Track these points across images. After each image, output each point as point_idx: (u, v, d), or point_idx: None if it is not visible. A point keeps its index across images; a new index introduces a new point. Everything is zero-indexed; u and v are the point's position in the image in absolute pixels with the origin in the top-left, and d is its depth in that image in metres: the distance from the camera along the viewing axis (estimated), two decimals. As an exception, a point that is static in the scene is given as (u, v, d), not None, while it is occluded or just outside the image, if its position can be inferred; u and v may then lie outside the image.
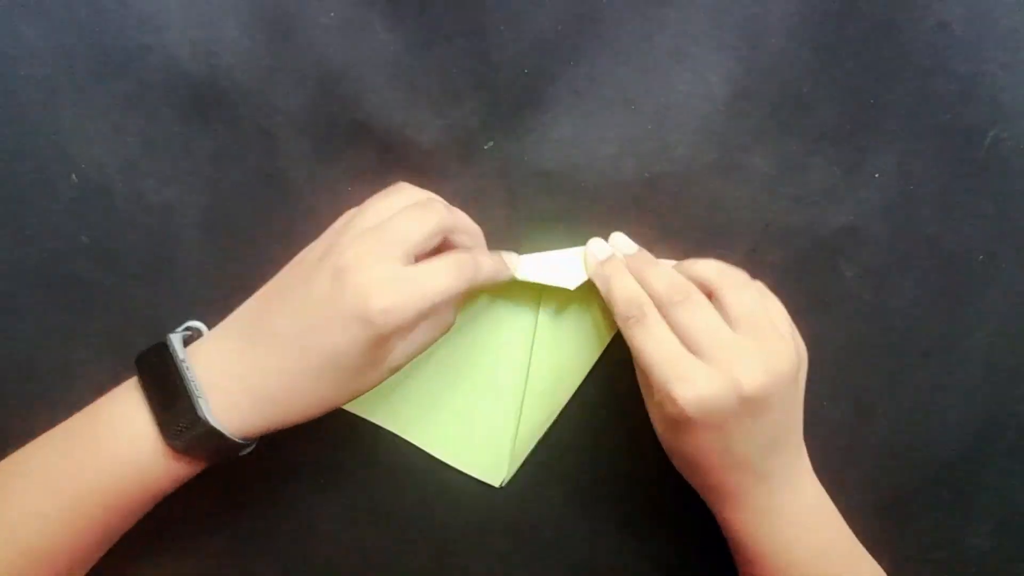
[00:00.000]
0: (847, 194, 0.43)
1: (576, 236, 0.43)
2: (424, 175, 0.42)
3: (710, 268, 0.38)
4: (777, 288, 0.43)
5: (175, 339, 0.36)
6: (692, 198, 0.43)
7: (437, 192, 0.42)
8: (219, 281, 0.43)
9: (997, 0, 0.41)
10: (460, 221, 0.38)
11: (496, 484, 0.44)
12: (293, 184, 0.42)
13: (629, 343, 0.37)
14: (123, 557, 0.39)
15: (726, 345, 0.35)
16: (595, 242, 0.41)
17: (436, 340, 0.37)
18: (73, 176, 0.42)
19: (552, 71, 0.42)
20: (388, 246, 0.34)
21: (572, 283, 0.40)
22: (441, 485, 0.45)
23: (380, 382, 0.36)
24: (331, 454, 0.44)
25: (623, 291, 0.38)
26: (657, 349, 0.35)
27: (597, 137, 0.42)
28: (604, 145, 0.42)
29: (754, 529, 0.38)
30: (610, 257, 0.40)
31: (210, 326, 0.43)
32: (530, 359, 0.43)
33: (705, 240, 0.43)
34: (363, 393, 0.36)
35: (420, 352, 0.36)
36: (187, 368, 0.35)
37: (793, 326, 0.38)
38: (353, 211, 0.38)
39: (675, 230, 0.43)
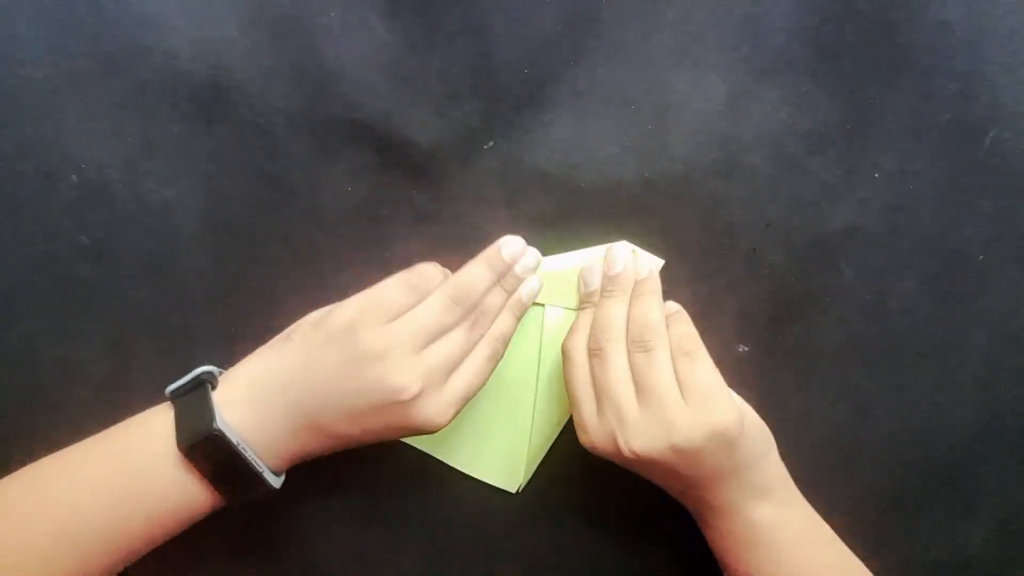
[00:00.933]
0: (847, 194, 0.43)
1: (576, 236, 0.43)
2: (424, 175, 0.42)
3: (645, 307, 0.39)
4: (777, 288, 0.43)
5: (223, 426, 0.36)
6: (692, 198, 0.43)
7: (437, 192, 0.43)
8: (219, 281, 0.43)
9: (997, 0, 0.41)
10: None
11: (513, 490, 0.45)
12: (293, 184, 0.42)
13: (565, 367, 0.40)
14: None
15: (667, 403, 0.36)
16: (588, 270, 0.42)
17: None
18: (73, 176, 0.42)
19: (552, 71, 0.42)
20: (435, 372, 0.37)
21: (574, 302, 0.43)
22: (441, 485, 0.45)
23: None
24: (334, 458, 0.44)
25: (592, 321, 0.40)
26: (584, 391, 0.38)
27: (597, 137, 0.42)
28: (604, 145, 0.42)
29: (732, 546, 0.39)
30: (594, 291, 0.41)
31: (209, 327, 0.43)
32: (539, 363, 0.43)
33: (705, 240, 0.43)
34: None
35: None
36: (244, 450, 0.36)
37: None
38: (377, 296, 0.38)
39: (675, 230, 0.43)
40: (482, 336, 0.39)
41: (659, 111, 0.42)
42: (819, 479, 0.45)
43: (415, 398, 0.36)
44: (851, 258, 0.43)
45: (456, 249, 0.42)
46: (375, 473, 0.45)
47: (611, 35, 0.41)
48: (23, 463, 0.39)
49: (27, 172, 0.41)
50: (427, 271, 0.38)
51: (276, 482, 0.37)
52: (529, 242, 0.42)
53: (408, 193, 0.43)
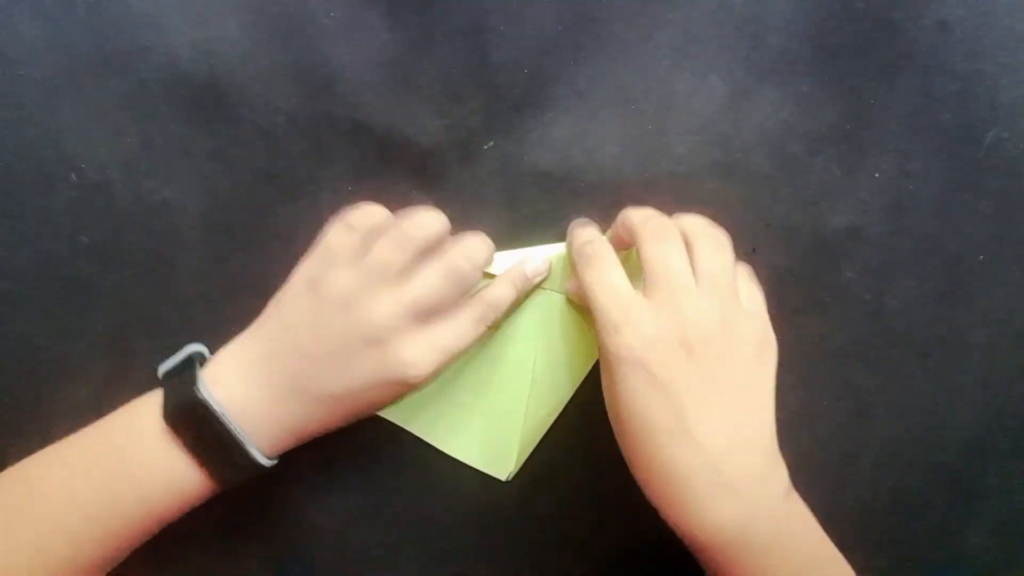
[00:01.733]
0: (847, 194, 0.43)
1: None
2: (424, 175, 0.42)
3: (696, 223, 0.37)
4: (777, 288, 0.43)
5: (206, 392, 0.35)
6: (692, 198, 0.43)
7: (437, 192, 0.43)
8: (219, 281, 0.43)
9: (997, 0, 0.41)
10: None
11: (503, 478, 0.44)
12: (293, 184, 0.42)
13: (582, 279, 0.37)
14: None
15: (685, 290, 0.35)
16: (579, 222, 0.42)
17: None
18: (73, 176, 0.42)
19: (552, 71, 0.42)
20: (414, 310, 0.36)
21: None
22: (441, 485, 0.45)
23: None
24: (331, 454, 0.44)
25: (582, 233, 0.40)
26: (607, 291, 0.35)
27: (597, 137, 0.42)
28: (604, 145, 0.42)
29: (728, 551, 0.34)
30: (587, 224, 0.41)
31: (209, 327, 0.43)
32: (535, 352, 0.43)
33: (705, 240, 0.43)
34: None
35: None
36: (228, 421, 0.35)
37: (766, 316, 0.38)
38: (344, 233, 0.38)
39: (675, 230, 0.43)
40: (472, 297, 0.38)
41: (659, 111, 0.42)
42: (819, 479, 0.45)
43: (392, 335, 0.35)
44: (851, 258, 0.43)
45: (456, 249, 0.42)
46: (373, 473, 0.45)
47: (611, 35, 0.41)
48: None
49: (27, 172, 0.41)
50: (366, 207, 0.39)
51: (263, 459, 0.36)
52: (529, 242, 0.43)
53: (408, 193, 0.43)
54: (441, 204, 0.43)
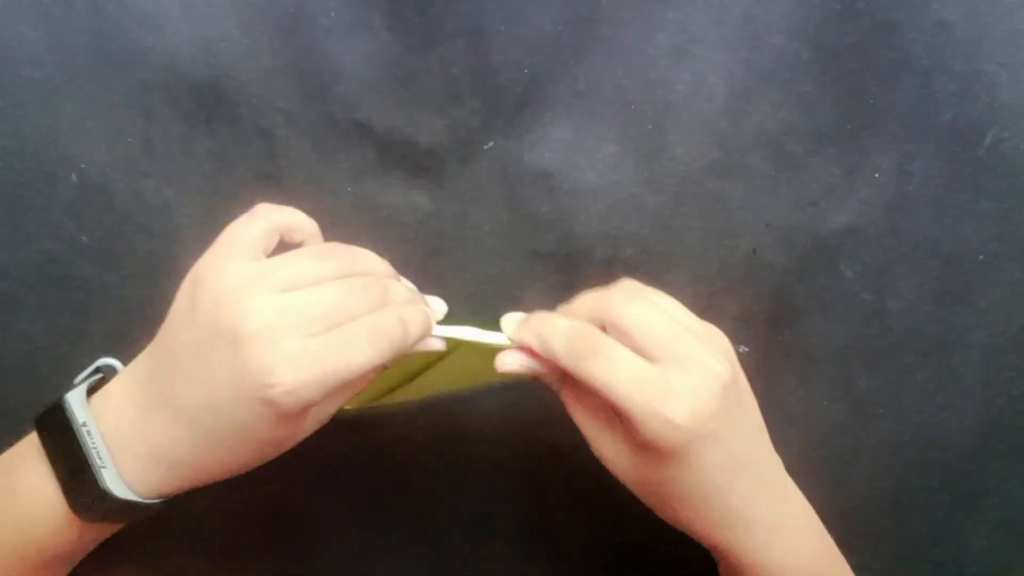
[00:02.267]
0: (847, 194, 0.43)
1: (576, 236, 0.43)
2: (424, 175, 0.42)
3: (607, 296, 0.32)
4: (777, 288, 0.43)
5: (74, 399, 0.32)
6: (692, 198, 0.43)
7: (437, 192, 0.43)
8: (219, 281, 0.43)
9: (997, 0, 0.41)
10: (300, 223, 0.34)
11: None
12: (293, 184, 0.42)
13: (588, 381, 0.30)
14: (120, 557, 0.39)
15: (690, 338, 0.31)
16: (509, 316, 0.35)
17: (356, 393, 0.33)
18: (73, 176, 0.42)
19: (552, 71, 0.42)
20: (295, 314, 0.29)
21: (502, 339, 0.35)
22: (441, 485, 0.45)
23: (302, 438, 0.33)
24: (331, 454, 0.44)
25: (553, 328, 0.32)
26: (628, 379, 0.30)
27: (597, 137, 0.42)
28: (604, 145, 0.42)
29: (757, 554, 0.33)
30: (529, 316, 0.35)
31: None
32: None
33: (705, 240, 0.43)
34: (288, 448, 0.32)
35: (338, 406, 0.33)
36: (88, 434, 0.31)
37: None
38: (224, 248, 0.32)
39: (675, 230, 0.43)
40: (374, 309, 0.31)
41: (659, 111, 0.42)
42: (819, 479, 0.45)
43: (257, 335, 0.28)
44: (851, 258, 0.43)
45: (456, 249, 0.42)
46: (373, 473, 0.45)
47: (611, 35, 0.41)
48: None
49: (27, 172, 0.41)
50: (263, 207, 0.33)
51: (118, 486, 0.30)
52: (530, 242, 0.43)
53: (408, 193, 0.43)
54: (441, 204, 0.43)
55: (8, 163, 0.41)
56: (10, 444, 0.42)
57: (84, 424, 0.31)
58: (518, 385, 0.44)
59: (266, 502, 0.45)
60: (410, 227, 0.43)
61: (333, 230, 0.43)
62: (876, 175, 0.43)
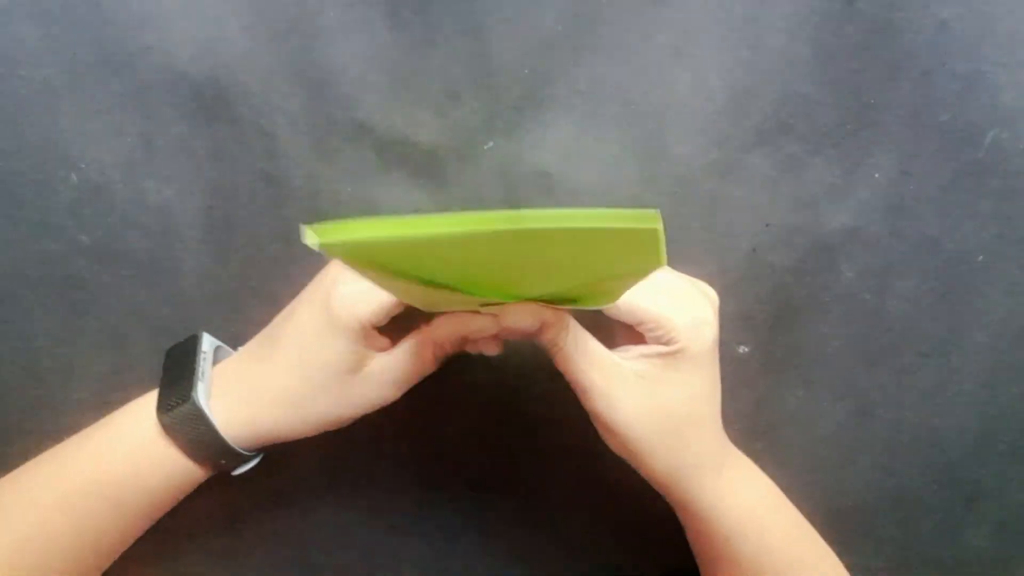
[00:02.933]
0: (847, 194, 0.43)
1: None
2: (424, 175, 0.42)
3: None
4: (777, 288, 0.43)
5: (207, 336, 0.40)
6: (692, 198, 0.43)
7: (437, 192, 0.43)
8: (219, 281, 0.43)
9: (997, 0, 0.41)
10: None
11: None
12: (293, 184, 0.42)
13: (627, 305, 0.35)
14: (125, 555, 0.39)
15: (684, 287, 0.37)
16: None
17: (420, 375, 0.38)
18: (73, 176, 0.42)
19: (552, 71, 0.42)
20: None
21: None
22: (442, 485, 0.45)
23: (368, 403, 0.37)
24: (331, 454, 0.44)
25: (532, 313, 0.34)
26: (646, 297, 0.35)
27: (597, 137, 0.42)
28: (604, 145, 0.42)
29: (720, 506, 0.37)
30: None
31: (209, 327, 0.43)
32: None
33: (705, 240, 0.43)
34: (350, 415, 0.37)
35: (404, 383, 0.37)
36: (204, 358, 0.38)
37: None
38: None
39: (675, 230, 0.43)
40: None
41: (659, 111, 0.42)
42: (819, 479, 0.45)
43: (336, 282, 0.36)
44: (851, 258, 0.43)
45: (456, 249, 0.42)
46: (373, 473, 0.45)
47: (611, 35, 0.41)
48: (23, 463, 0.39)
49: (27, 172, 0.41)
50: None
51: (203, 401, 0.36)
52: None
53: (408, 193, 0.43)
54: (441, 204, 0.43)
55: (8, 163, 0.41)
56: (10, 444, 0.42)
57: (205, 352, 0.38)
58: (518, 381, 0.45)
59: (269, 500, 0.45)
60: (410, 227, 0.43)
61: (333, 230, 0.43)
62: (876, 175, 0.43)
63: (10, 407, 0.43)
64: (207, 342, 0.40)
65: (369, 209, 0.43)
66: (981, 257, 0.43)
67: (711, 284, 0.43)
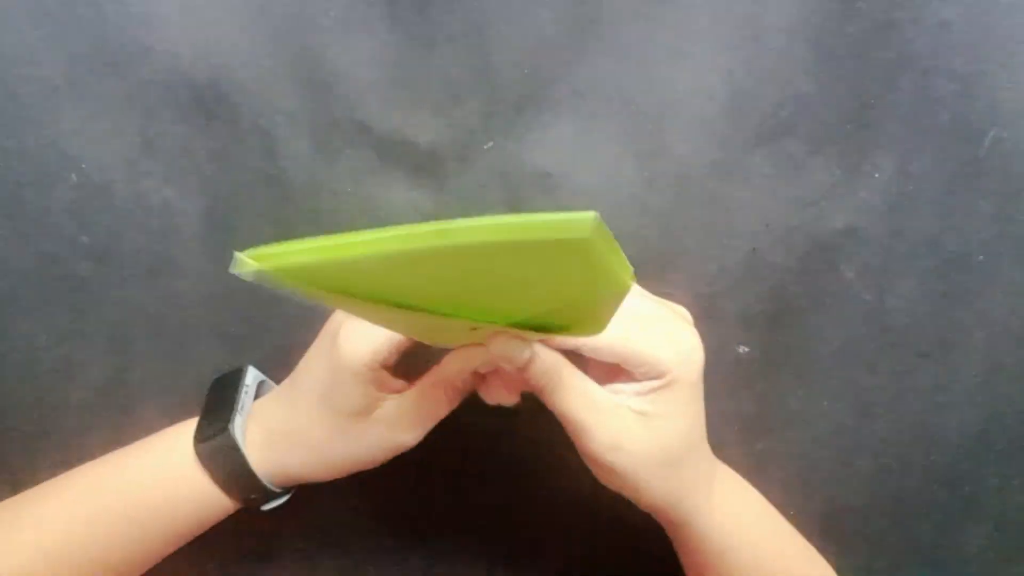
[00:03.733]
0: (847, 194, 0.43)
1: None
2: (424, 175, 0.42)
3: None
4: (777, 288, 0.43)
5: (252, 370, 0.41)
6: (692, 198, 0.43)
7: (437, 192, 0.43)
8: (219, 281, 0.43)
9: (997, 0, 0.41)
10: None
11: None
12: (293, 184, 0.42)
13: (604, 344, 0.33)
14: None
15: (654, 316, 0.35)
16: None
17: (435, 417, 0.37)
18: (73, 176, 0.42)
19: (552, 71, 0.42)
20: None
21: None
22: (442, 485, 0.45)
23: (385, 446, 0.36)
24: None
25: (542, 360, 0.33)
26: (626, 333, 0.33)
27: (597, 137, 0.42)
28: (604, 145, 0.42)
29: (717, 523, 0.36)
30: None
31: (209, 327, 0.43)
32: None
33: (705, 240, 0.43)
34: (370, 458, 0.37)
35: (419, 425, 0.36)
36: (246, 392, 0.39)
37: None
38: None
39: (675, 230, 0.43)
40: None
41: (659, 111, 0.42)
42: (819, 479, 0.45)
43: (342, 322, 0.35)
44: (851, 258, 0.43)
45: (456, 249, 0.42)
46: (373, 473, 0.45)
47: (611, 35, 0.41)
48: (23, 463, 0.39)
49: (27, 172, 0.41)
50: None
51: (240, 435, 0.37)
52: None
53: (408, 193, 0.43)
54: (441, 204, 0.43)
55: (8, 163, 0.41)
56: (10, 444, 0.42)
57: (248, 385, 0.39)
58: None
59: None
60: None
61: (333, 231, 0.43)
62: (876, 175, 0.43)
63: (10, 407, 0.43)
64: (251, 376, 0.40)
65: (369, 209, 0.43)
66: (981, 257, 0.43)
67: (711, 284, 0.43)
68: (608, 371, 0.35)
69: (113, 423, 0.43)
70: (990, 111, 0.42)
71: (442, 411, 0.37)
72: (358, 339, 0.34)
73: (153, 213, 0.42)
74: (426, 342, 0.35)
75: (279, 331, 0.43)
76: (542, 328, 0.31)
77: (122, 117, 0.41)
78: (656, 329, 0.34)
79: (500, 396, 0.36)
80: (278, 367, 0.43)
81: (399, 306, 0.26)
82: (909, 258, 0.43)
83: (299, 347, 0.39)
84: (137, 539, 0.37)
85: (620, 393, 0.34)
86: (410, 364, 0.37)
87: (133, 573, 0.38)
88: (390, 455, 0.37)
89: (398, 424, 0.36)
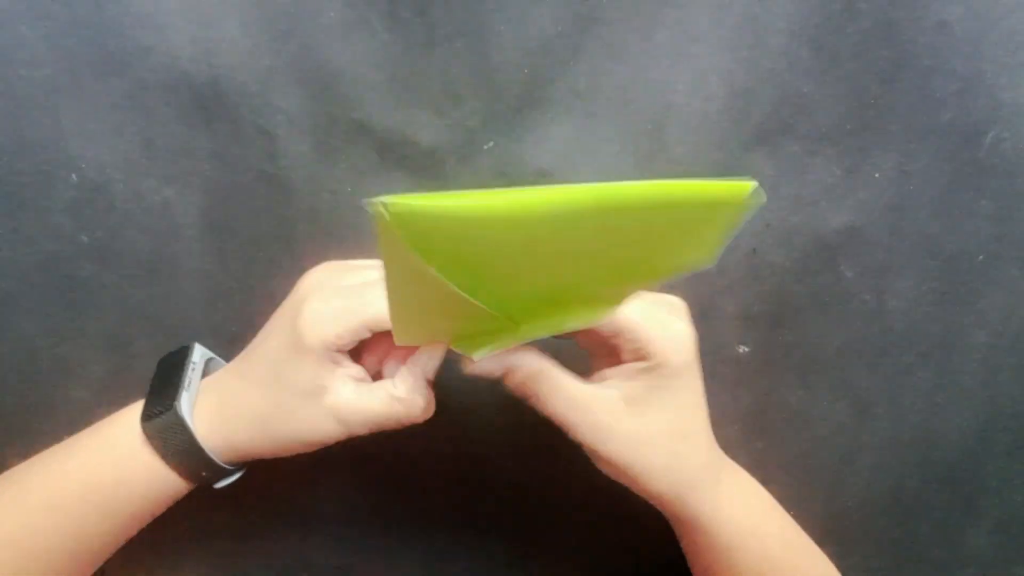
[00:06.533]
0: (847, 194, 0.43)
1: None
2: (424, 175, 0.42)
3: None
4: (777, 288, 0.43)
5: (199, 347, 0.40)
6: (692, 198, 0.43)
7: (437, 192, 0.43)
8: (219, 281, 0.43)
9: (997, 0, 0.41)
10: None
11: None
12: (293, 184, 0.42)
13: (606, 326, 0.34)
14: (117, 557, 0.39)
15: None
16: None
17: (384, 416, 0.35)
18: (73, 176, 0.42)
19: (552, 71, 0.42)
20: (330, 280, 0.36)
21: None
22: (442, 484, 0.45)
23: (332, 431, 0.35)
24: (331, 454, 0.44)
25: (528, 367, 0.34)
26: (639, 312, 0.34)
27: (597, 137, 0.42)
28: (604, 145, 0.42)
29: (722, 514, 0.37)
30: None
31: (209, 327, 0.43)
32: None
33: (705, 240, 0.43)
34: (317, 440, 0.36)
35: (369, 419, 0.35)
36: (193, 369, 0.38)
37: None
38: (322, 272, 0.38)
39: (675, 230, 0.43)
40: None
41: (659, 111, 0.42)
42: (819, 479, 0.45)
43: (305, 300, 0.34)
44: (851, 258, 0.43)
45: (456, 249, 0.42)
46: (373, 473, 0.45)
47: (611, 35, 0.41)
48: (23, 463, 0.39)
49: (27, 172, 0.41)
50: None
51: (187, 411, 0.36)
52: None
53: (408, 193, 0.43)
54: (441, 204, 0.43)
55: (8, 163, 0.41)
56: (10, 444, 0.42)
57: (195, 363, 0.39)
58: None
59: (266, 502, 0.45)
60: (410, 227, 0.43)
61: (333, 231, 0.43)
62: (876, 175, 0.43)
63: (10, 407, 0.43)
64: (198, 353, 0.39)
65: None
66: (981, 257, 0.43)
67: (711, 284, 0.43)
68: (607, 356, 0.36)
69: (113, 423, 0.43)
70: (990, 111, 0.42)
71: (394, 411, 0.35)
72: (322, 319, 0.34)
73: (153, 213, 0.42)
74: (407, 339, 0.34)
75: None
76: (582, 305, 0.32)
77: (122, 117, 0.41)
78: (649, 311, 0.34)
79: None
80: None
81: (464, 284, 0.26)
82: (909, 258, 0.43)
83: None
84: (94, 522, 0.37)
85: (608, 379, 0.35)
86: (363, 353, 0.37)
87: (95, 560, 0.38)
88: (335, 439, 0.36)
89: (346, 412, 0.35)
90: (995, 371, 0.44)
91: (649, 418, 0.34)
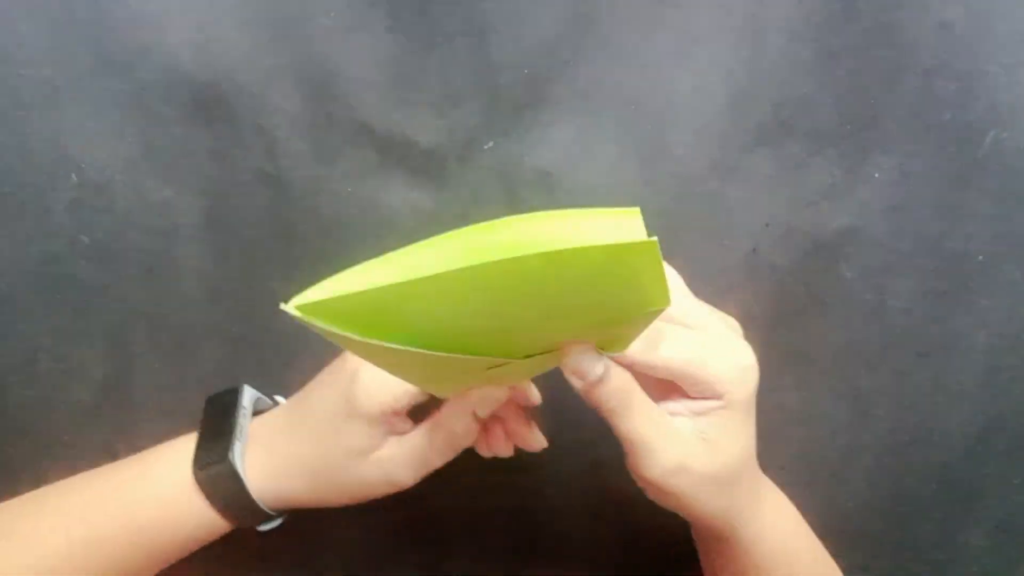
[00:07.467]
0: (847, 194, 0.43)
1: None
2: (424, 175, 0.42)
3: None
4: (777, 288, 0.43)
5: (248, 390, 0.40)
6: (692, 198, 0.43)
7: (437, 192, 0.43)
8: (219, 281, 0.43)
9: (997, 0, 0.41)
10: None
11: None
12: (293, 184, 0.42)
13: (663, 363, 0.32)
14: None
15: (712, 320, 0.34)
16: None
17: (433, 462, 0.36)
18: (73, 176, 0.42)
19: (552, 71, 0.42)
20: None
21: None
22: (441, 484, 0.45)
23: (382, 484, 0.37)
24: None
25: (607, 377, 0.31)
26: (683, 351, 0.32)
27: (597, 137, 0.42)
28: (604, 145, 0.42)
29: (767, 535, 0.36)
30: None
31: (209, 327, 0.43)
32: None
33: (705, 240, 0.43)
34: (367, 494, 0.37)
35: (419, 468, 0.36)
36: (244, 415, 0.38)
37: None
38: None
39: (675, 230, 0.43)
40: None
41: (659, 111, 0.42)
42: (819, 479, 0.45)
43: (357, 371, 0.35)
44: (851, 258, 0.43)
45: (456, 249, 0.42)
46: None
47: (611, 35, 0.41)
48: (22, 463, 0.39)
49: (27, 172, 0.41)
50: None
51: (239, 462, 0.37)
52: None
53: (408, 193, 0.43)
54: (441, 204, 0.43)
55: (8, 163, 0.41)
56: (10, 444, 0.42)
57: (244, 408, 0.39)
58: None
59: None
60: (410, 227, 0.43)
61: (333, 231, 0.43)
62: (876, 175, 0.43)
63: (10, 407, 0.43)
64: (247, 396, 0.40)
65: (369, 209, 0.43)
66: (981, 257, 0.43)
67: (711, 284, 0.43)
68: (660, 389, 0.33)
69: (113, 423, 0.43)
70: (990, 111, 0.42)
71: (437, 457, 0.36)
72: (379, 385, 0.35)
73: (153, 213, 0.42)
74: (435, 392, 0.35)
75: (279, 331, 0.43)
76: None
77: (122, 117, 0.41)
78: (713, 346, 0.32)
79: (498, 446, 0.37)
80: (278, 368, 0.43)
81: (426, 346, 0.25)
82: (909, 258, 0.43)
83: (299, 349, 0.39)
84: (134, 559, 0.37)
85: (676, 414, 0.33)
86: (420, 408, 0.37)
87: None
88: (384, 493, 0.37)
89: (396, 465, 0.36)
90: (995, 371, 0.44)
91: (719, 459, 0.33)
